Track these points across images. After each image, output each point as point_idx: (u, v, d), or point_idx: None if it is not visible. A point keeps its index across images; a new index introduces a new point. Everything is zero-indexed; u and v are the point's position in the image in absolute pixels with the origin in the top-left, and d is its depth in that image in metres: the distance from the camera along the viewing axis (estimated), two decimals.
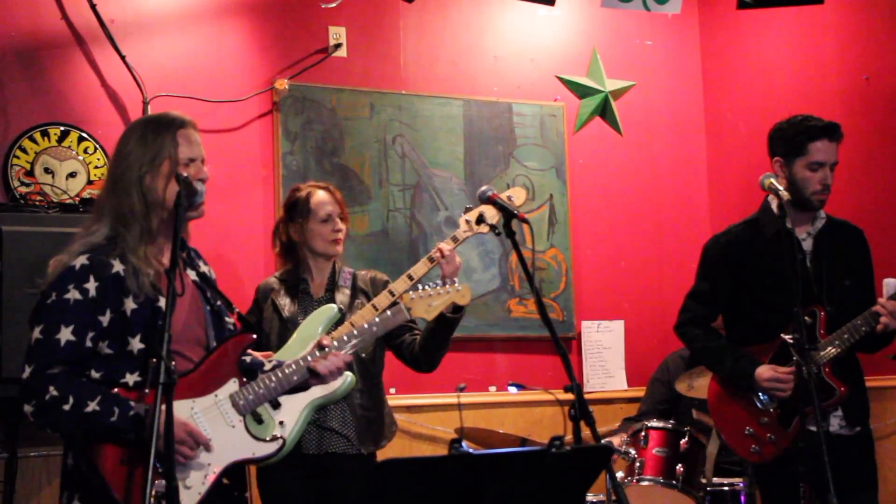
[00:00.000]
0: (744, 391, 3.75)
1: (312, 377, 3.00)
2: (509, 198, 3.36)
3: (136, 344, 2.73)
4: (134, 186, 2.79)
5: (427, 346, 3.84)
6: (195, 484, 2.74)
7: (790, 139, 3.77)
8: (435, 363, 3.92)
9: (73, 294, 2.71)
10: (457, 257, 3.74)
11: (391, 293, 3.73)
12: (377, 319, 3.22)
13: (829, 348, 3.64)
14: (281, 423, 2.94)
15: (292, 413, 2.99)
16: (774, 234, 3.77)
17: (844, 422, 3.70)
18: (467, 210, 3.40)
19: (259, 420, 2.89)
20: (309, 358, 3.01)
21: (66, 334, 2.69)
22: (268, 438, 2.89)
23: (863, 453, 3.75)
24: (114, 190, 2.82)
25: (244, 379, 2.90)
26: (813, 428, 3.50)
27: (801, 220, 3.80)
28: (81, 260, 2.74)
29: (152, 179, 2.80)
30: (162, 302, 2.76)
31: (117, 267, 2.74)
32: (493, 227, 3.24)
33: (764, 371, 3.68)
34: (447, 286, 3.34)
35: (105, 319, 2.72)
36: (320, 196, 3.91)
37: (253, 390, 2.88)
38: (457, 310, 3.72)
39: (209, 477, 2.76)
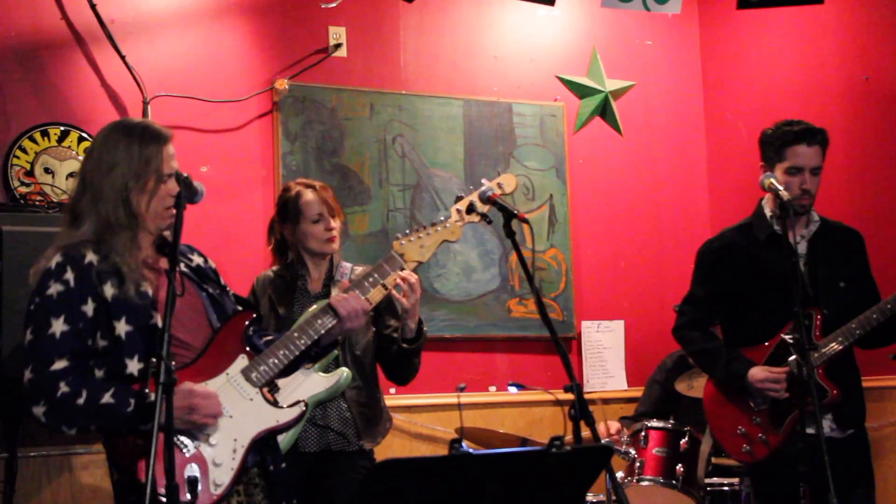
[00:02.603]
0: (738, 392, 3.76)
1: (335, 321, 2.99)
2: (500, 185, 3.32)
3: (122, 327, 2.73)
4: (120, 198, 2.80)
5: (394, 366, 3.86)
6: (225, 461, 2.75)
7: (771, 144, 3.80)
8: (403, 382, 3.92)
9: (56, 287, 2.72)
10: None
11: (384, 287, 3.68)
12: (374, 272, 3.15)
13: (824, 350, 3.65)
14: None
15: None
16: (768, 237, 3.80)
17: (835, 424, 3.71)
18: (458, 200, 3.36)
19: (269, 401, 2.90)
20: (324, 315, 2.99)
21: (59, 326, 2.69)
22: (287, 405, 2.89)
23: (856, 454, 3.75)
24: (96, 198, 2.81)
25: (252, 354, 2.90)
26: (808, 430, 3.51)
27: (792, 224, 3.80)
28: (56, 258, 2.76)
29: (138, 193, 2.81)
30: (146, 287, 2.78)
31: (90, 257, 2.76)
32: (484, 216, 3.21)
33: (757, 372, 3.70)
34: (437, 226, 3.21)
35: (89, 309, 2.73)
36: (308, 196, 3.86)
37: (264, 362, 2.89)
38: (414, 339, 3.71)
39: (238, 451, 2.78)
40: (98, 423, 2.69)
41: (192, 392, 2.73)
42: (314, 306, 3.32)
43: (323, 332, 3.00)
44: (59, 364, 2.67)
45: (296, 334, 2.96)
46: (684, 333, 3.96)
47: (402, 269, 3.21)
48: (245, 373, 2.86)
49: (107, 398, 2.65)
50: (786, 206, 3.53)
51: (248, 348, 2.91)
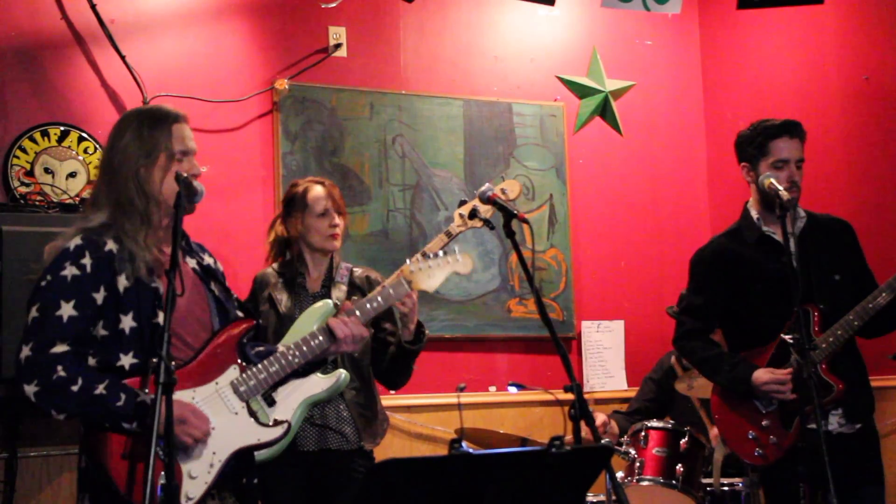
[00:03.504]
0: (744, 396, 3.76)
1: (331, 343, 3.03)
2: (503, 191, 3.33)
3: (127, 322, 2.74)
4: (131, 178, 2.82)
5: (389, 370, 3.86)
6: (201, 473, 2.73)
7: (751, 142, 3.80)
8: (396, 386, 3.93)
9: (71, 270, 2.72)
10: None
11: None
12: (378, 296, 3.19)
13: (824, 345, 3.64)
14: (275, 420, 2.93)
15: (287, 410, 2.99)
16: (756, 240, 3.80)
17: (844, 420, 3.70)
18: (461, 204, 3.37)
19: (254, 416, 2.89)
20: (324, 329, 3.02)
21: (67, 310, 2.69)
22: (272, 423, 2.89)
23: (866, 449, 3.74)
24: (110, 182, 2.84)
25: (245, 365, 2.90)
26: (813, 426, 3.51)
27: (793, 222, 3.80)
28: (76, 241, 2.77)
29: (148, 172, 2.83)
30: (157, 283, 2.78)
31: (110, 245, 2.77)
32: (486, 222, 3.22)
33: (761, 375, 3.68)
34: (447, 256, 3.24)
35: (99, 297, 2.73)
36: (317, 191, 3.90)
37: (254, 376, 2.89)
38: (416, 341, 3.71)
39: (214, 466, 2.76)
40: (87, 412, 2.68)
41: (189, 406, 2.73)
42: (317, 304, 3.33)
43: (318, 352, 3.04)
44: (60, 348, 2.67)
45: (291, 351, 2.96)
46: (685, 344, 3.96)
47: (408, 292, 3.23)
48: (234, 385, 2.86)
49: (100, 389, 2.65)
50: (785, 207, 3.53)
51: (240, 359, 2.90)
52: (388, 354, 3.82)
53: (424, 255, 3.26)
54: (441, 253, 3.25)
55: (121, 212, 2.81)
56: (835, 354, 3.66)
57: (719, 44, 6.08)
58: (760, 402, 3.73)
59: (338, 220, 3.90)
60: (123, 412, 2.65)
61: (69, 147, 4.69)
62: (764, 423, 3.72)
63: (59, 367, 2.65)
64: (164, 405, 2.50)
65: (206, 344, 2.86)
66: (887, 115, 5.14)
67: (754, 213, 3.87)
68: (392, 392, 4.86)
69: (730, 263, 3.86)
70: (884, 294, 3.62)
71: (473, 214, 3.29)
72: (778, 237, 3.75)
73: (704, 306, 3.91)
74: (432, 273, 3.23)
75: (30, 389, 2.65)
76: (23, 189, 4.57)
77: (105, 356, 2.74)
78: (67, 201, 4.55)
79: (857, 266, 3.87)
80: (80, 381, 2.65)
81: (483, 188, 3.21)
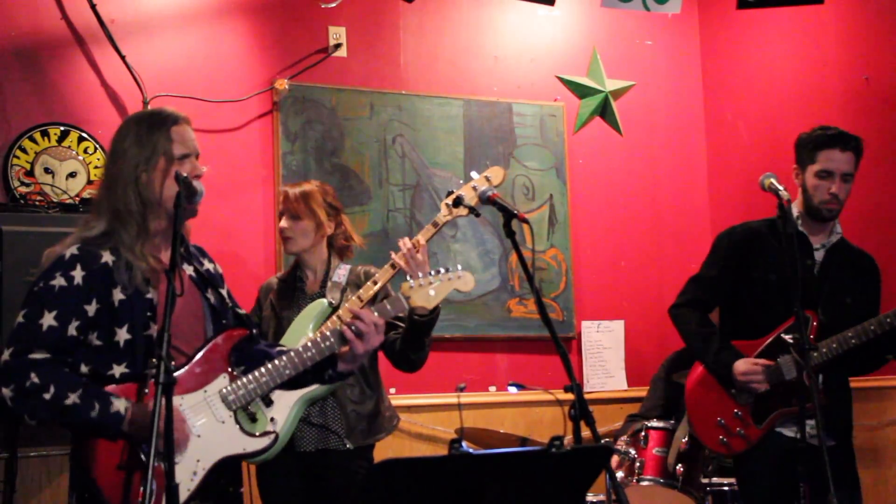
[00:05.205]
0: (722, 382, 3.76)
1: (342, 345, 2.96)
2: (487, 178, 3.33)
3: (122, 335, 2.75)
4: (130, 185, 2.81)
5: (404, 349, 3.80)
6: (184, 480, 2.73)
7: (805, 147, 3.82)
8: (415, 365, 3.86)
9: (59, 281, 2.73)
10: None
11: (374, 283, 3.72)
12: (375, 311, 3.15)
13: (815, 354, 3.64)
14: (272, 419, 2.93)
15: (283, 409, 2.98)
16: (789, 237, 3.79)
17: (823, 431, 3.70)
18: (448, 194, 3.37)
19: (253, 418, 2.89)
20: (309, 344, 2.99)
21: (48, 319, 2.70)
22: (258, 433, 2.88)
23: (842, 462, 3.72)
24: (110, 188, 2.84)
25: (234, 374, 2.89)
26: (786, 432, 3.55)
27: (816, 230, 3.81)
28: (72, 250, 2.77)
29: (148, 177, 2.82)
30: (151, 294, 2.79)
31: (106, 258, 2.77)
32: (472, 209, 3.23)
33: (741, 364, 3.70)
34: (448, 273, 3.18)
35: (91, 309, 2.74)
36: (282, 198, 3.94)
37: (243, 385, 2.87)
38: (427, 311, 3.67)
39: (198, 473, 2.76)
40: (61, 421, 2.70)
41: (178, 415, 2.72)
42: (312, 304, 3.33)
43: (309, 363, 2.96)
44: (38, 355, 2.68)
45: (282, 362, 2.94)
46: (682, 311, 3.94)
47: (404, 312, 3.18)
48: (223, 394, 2.85)
49: (73, 399, 2.66)
50: (783, 207, 3.53)
51: (231, 368, 2.89)
52: (396, 345, 3.81)
53: (426, 273, 3.19)
54: (441, 270, 3.19)
55: (118, 221, 2.80)
56: (824, 367, 3.66)
57: (719, 44, 6.08)
58: (738, 392, 3.73)
59: (284, 222, 3.87)
60: (98, 422, 2.66)
61: (69, 147, 4.69)
62: (737, 413, 3.73)
63: (33, 374, 2.66)
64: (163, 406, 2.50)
65: (198, 351, 2.86)
66: (887, 116, 5.14)
67: (795, 211, 3.81)
68: (393, 391, 4.87)
69: (755, 248, 3.86)
70: (889, 319, 3.62)
71: (458, 202, 3.29)
72: (811, 240, 3.76)
73: (714, 280, 3.90)
74: (431, 290, 3.16)
75: (6, 393, 2.67)
76: (23, 189, 4.57)
77: (98, 366, 2.75)
78: (67, 201, 4.55)
79: (870, 303, 3.85)
80: (52, 389, 2.65)
81: (483, 188, 3.21)
